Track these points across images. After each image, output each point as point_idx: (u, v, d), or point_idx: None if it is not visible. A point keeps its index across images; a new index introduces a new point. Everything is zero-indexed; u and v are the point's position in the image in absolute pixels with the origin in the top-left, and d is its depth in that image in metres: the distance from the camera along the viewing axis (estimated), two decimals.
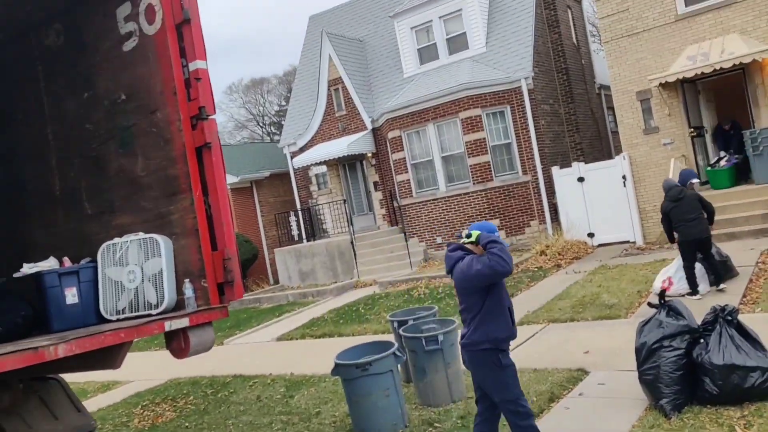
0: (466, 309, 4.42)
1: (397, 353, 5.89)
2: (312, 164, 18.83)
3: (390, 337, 8.06)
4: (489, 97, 15.94)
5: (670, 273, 9.01)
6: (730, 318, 5.07)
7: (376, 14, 20.69)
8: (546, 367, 6.84)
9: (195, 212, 4.45)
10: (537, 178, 15.97)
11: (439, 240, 16.61)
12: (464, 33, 17.35)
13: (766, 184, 12.50)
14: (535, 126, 15.95)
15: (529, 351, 7.61)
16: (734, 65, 12.64)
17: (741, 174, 13.65)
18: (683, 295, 8.53)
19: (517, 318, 9.41)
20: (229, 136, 51.10)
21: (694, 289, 8.58)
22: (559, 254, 13.85)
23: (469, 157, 15.96)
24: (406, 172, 16.96)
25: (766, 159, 12.53)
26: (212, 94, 4.64)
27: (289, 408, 7.08)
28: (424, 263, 16.28)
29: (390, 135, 17.18)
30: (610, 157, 17.79)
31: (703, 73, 12.97)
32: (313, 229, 18.99)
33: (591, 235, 15.01)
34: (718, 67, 12.67)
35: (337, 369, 5.87)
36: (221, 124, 51.25)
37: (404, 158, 16.91)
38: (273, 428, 6.52)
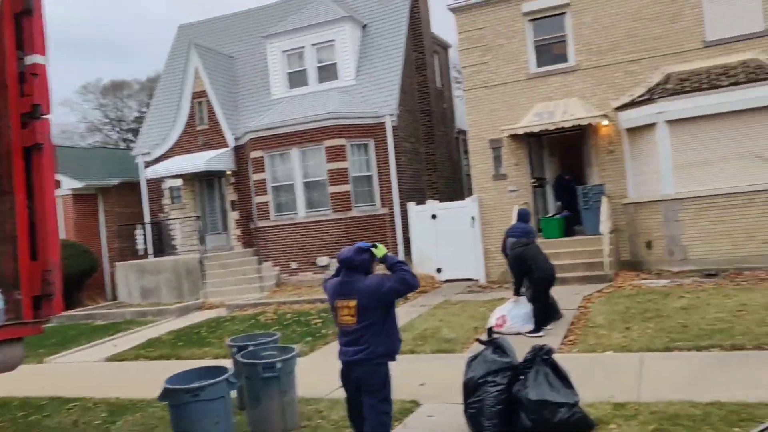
0: (368, 326, 4.69)
1: (231, 379, 5.71)
2: (167, 176, 18.04)
3: (229, 363, 7.81)
4: (355, 129, 16.27)
5: (504, 311, 9.62)
6: (546, 357, 5.49)
7: (249, 32, 20.47)
8: None
9: (15, 217, 4.07)
10: (393, 212, 16.44)
11: (294, 265, 16.50)
12: (335, 63, 17.65)
13: (593, 236, 13.79)
14: (396, 161, 16.48)
15: None
16: (573, 126, 13.96)
17: (574, 224, 14.96)
18: (521, 333, 9.12)
19: None
20: (80, 138, 47.62)
21: (539, 327, 9.20)
22: None
23: (330, 185, 16.10)
24: (266, 193, 16.75)
25: (594, 213, 13.85)
26: (49, 93, 4.32)
27: None
28: (276, 288, 16.06)
29: (252, 155, 16.93)
30: (463, 198, 18.75)
31: (547, 129, 14.17)
32: (162, 244, 18.09)
33: (439, 270, 15.65)
34: (560, 126, 13.91)
35: (166, 394, 5.57)
36: (72, 124, 47.65)
37: (265, 180, 16.71)
38: None
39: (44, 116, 4.25)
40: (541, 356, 5.49)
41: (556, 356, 8.22)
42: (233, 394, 6.68)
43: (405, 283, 4.62)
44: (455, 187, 20.42)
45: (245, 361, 6.20)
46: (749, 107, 12.43)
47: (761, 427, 4.56)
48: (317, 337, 10.52)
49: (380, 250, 4.72)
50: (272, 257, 16.67)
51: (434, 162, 18.75)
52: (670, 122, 13.05)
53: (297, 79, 18.12)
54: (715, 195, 12.74)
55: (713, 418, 5.30)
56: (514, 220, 13.91)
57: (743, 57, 13.26)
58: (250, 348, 6.68)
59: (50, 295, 4.08)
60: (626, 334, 8.64)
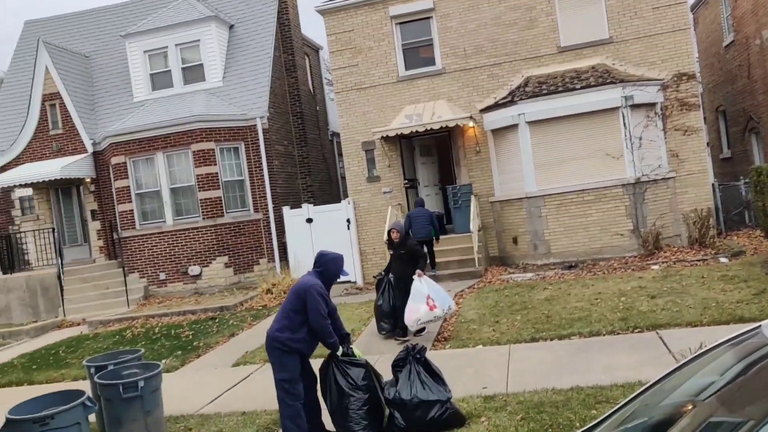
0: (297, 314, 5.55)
1: (87, 403, 5.24)
2: (16, 185, 16.46)
3: (88, 385, 7.21)
4: (224, 132, 15.72)
5: (424, 294, 8.45)
6: (418, 356, 5.54)
7: (106, 30, 19.21)
8: (256, 409, 6.72)
9: None
10: (268, 217, 16.08)
11: (163, 276, 15.65)
12: (201, 64, 16.98)
13: (463, 234, 14.26)
14: (268, 165, 16.12)
15: (241, 393, 7.43)
16: (441, 127, 14.37)
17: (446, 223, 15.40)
18: (397, 339, 8.95)
19: (233, 359, 9.26)
20: None
21: (406, 330, 8.96)
22: (285, 293, 13.96)
23: (200, 190, 15.45)
24: (130, 201, 15.78)
25: (463, 212, 14.32)
26: None
27: None
28: (144, 301, 15.17)
29: (114, 161, 15.88)
30: (339, 200, 18.70)
31: (417, 131, 14.47)
32: (12, 260, 16.48)
33: None
34: (429, 128, 14.26)
35: (8, 426, 5.01)
36: None
37: (128, 187, 15.73)
38: None
39: None
40: (414, 355, 5.53)
41: (430, 353, 8.42)
42: (92, 418, 6.18)
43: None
44: (331, 190, 20.36)
45: (103, 382, 5.73)
46: (599, 108, 13.39)
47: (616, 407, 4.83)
48: (188, 350, 10.02)
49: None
50: (139, 268, 15.73)
51: (308, 165, 18.59)
52: (531, 123, 13.78)
53: (161, 80, 17.23)
54: (573, 191, 13.60)
55: (573, 402, 5.59)
56: (388, 222, 14.13)
57: (593, 62, 14.28)
58: (110, 367, 6.19)
59: None
60: (495, 328, 8.98)
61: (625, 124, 13.33)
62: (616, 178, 13.36)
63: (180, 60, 17.08)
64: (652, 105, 13.65)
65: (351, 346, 5.69)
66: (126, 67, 17.70)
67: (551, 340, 8.00)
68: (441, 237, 14.40)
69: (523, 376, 6.66)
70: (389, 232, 8.97)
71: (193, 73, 17.15)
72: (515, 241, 14.35)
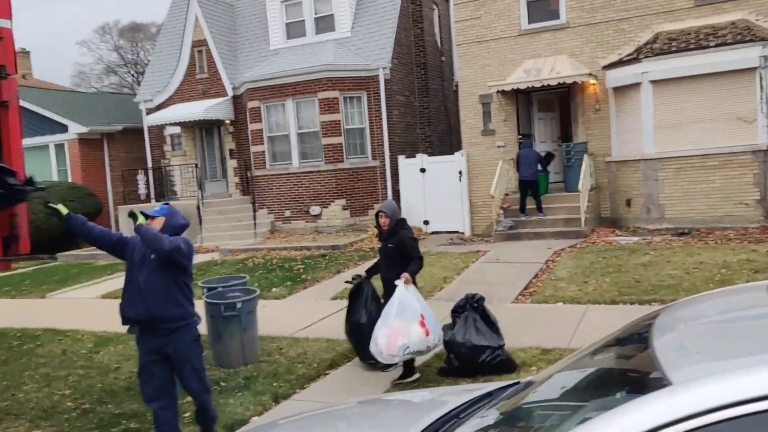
0: None
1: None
2: (167, 124, 18.51)
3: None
4: (348, 82, 16.53)
5: (416, 314, 5.77)
6: (476, 305, 6.02)
7: None
8: (338, 337, 7.55)
9: None
10: (384, 165, 16.84)
11: (287, 213, 17.06)
12: (332, 15, 17.77)
13: (573, 192, 14.14)
14: (388, 115, 16.78)
15: (331, 323, 8.31)
16: (559, 83, 14.14)
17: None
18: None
19: (332, 293, 10.19)
20: (96, 79, 47.95)
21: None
22: None
23: (324, 136, 16.49)
24: (262, 143, 17.20)
25: (575, 170, 14.15)
26: (15, 54, 4.77)
27: (90, 363, 7.30)
28: (270, 235, 16.69)
29: (250, 105, 17.30)
30: (458, 151, 19.07)
31: (534, 86, 14.37)
32: (163, 189, 18.70)
33: (426, 222, 16.15)
34: (545, 84, 14.10)
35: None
36: (88, 65, 47.76)
37: (261, 130, 17.13)
38: (68, 381, 6.74)
39: (10, 76, 4.70)
40: (472, 304, 6.02)
41: (511, 305, 8.85)
42: (203, 330, 7.34)
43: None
44: (451, 141, 20.67)
45: (209, 300, 6.80)
46: (733, 69, 12.51)
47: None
48: (297, 281, 11.15)
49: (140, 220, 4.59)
50: (267, 205, 17.24)
51: (429, 115, 19.01)
52: (654, 82, 13.19)
53: (295, 30, 18.29)
54: (695, 156, 12.98)
55: None
56: (497, 177, 14.38)
57: (733, 17, 13.26)
58: (219, 289, 7.27)
59: (17, 237, 4.63)
60: (581, 288, 9.15)
61: (762, 86, 12.39)
62: (746, 143, 12.55)
63: (313, 10, 17.98)
64: None
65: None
66: (265, 16, 18.92)
67: (630, 304, 8.08)
68: (550, 195, 14.49)
69: (588, 335, 6.91)
70: (377, 215, 6.30)
71: (325, 23, 18.01)
72: (628, 203, 14.02)
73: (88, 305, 11.07)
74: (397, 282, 5.77)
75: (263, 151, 17.23)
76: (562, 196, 14.49)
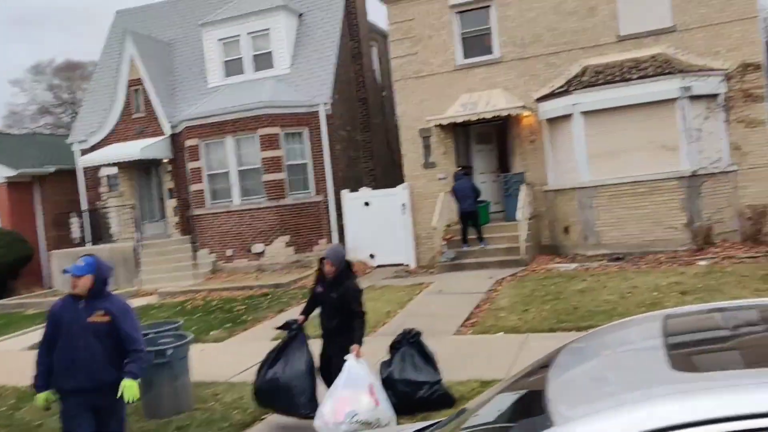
0: None
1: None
2: (103, 164, 18.04)
3: None
4: (288, 118, 16.53)
5: (364, 384, 5.43)
6: (412, 340, 5.99)
7: (187, 19, 20.43)
8: None
9: None
10: (328, 199, 16.82)
11: (229, 252, 16.76)
12: (270, 52, 17.84)
13: (514, 222, 14.40)
14: (330, 150, 16.82)
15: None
16: (495, 116, 14.51)
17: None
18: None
19: (275, 333, 9.98)
20: (30, 120, 46.45)
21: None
22: None
23: (265, 173, 16.37)
24: (202, 182, 16.94)
25: (514, 200, 14.44)
26: None
27: (11, 420, 6.90)
28: (211, 275, 16.34)
29: (188, 143, 17.06)
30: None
31: (470, 120, 14.69)
32: (99, 232, 18.12)
33: (372, 256, 16.14)
34: (482, 117, 14.45)
35: None
36: (22, 105, 46.27)
37: (200, 168, 16.88)
38: None
39: None
40: (408, 339, 5.98)
41: (453, 337, 8.86)
42: None
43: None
44: (395, 174, 20.81)
45: None
46: (655, 99, 13.10)
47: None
48: (237, 323, 10.91)
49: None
50: (208, 244, 16.91)
51: (371, 150, 19.16)
52: (585, 113, 13.67)
53: (233, 67, 18.25)
54: (626, 183, 13.43)
55: None
56: (438, 209, 14.56)
57: (653, 51, 13.94)
58: (150, 335, 7.01)
59: None
60: (522, 316, 9.25)
61: (683, 115, 13.00)
62: (671, 170, 13.09)
63: (251, 47, 18.01)
64: (714, 96, 13.22)
65: None
66: (202, 54, 18.83)
67: (568, 331, 8.18)
68: (491, 225, 14.73)
69: (525, 364, 6.96)
70: (321, 260, 5.90)
71: (264, 60, 18.04)
72: (566, 230, 14.36)
73: (12, 358, 10.51)
74: (347, 357, 5.39)
75: (203, 190, 16.96)
76: (502, 226, 14.73)
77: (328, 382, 5.71)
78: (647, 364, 1.85)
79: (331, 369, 5.76)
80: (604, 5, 14.34)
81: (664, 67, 13.22)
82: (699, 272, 10.55)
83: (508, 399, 2.35)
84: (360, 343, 5.58)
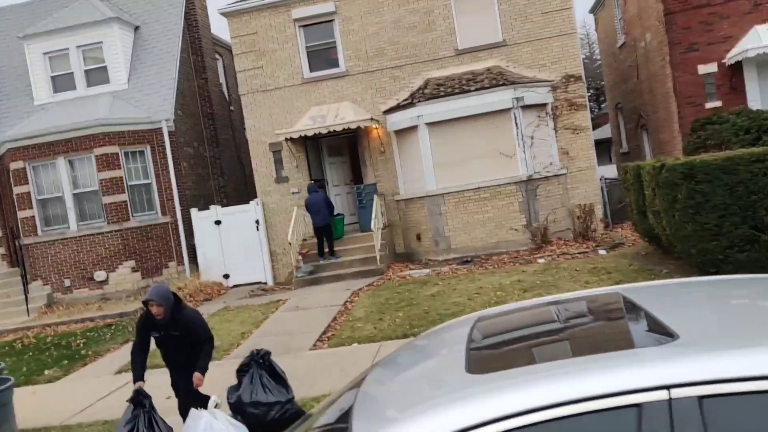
0: None
1: None
2: None
3: None
4: (128, 136, 15.56)
5: None
6: (262, 361, 5.80)
7: (5, 31, 18.64)
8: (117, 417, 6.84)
9: None
10: (176, 220, 16.01)
11: (67, 283, 15.41)
12: (105, 66, 16.71)
13: (369, 232, 14.59)
14: (175, 168, 16.04)
15: (113, 401, 7.51)
16: (345, 129, 14.65)
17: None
18: None
19: (118, 366, 9.31)
20: None
21: None
22: (191, 296, 14.05)
23: (104, 195, 15.25)
24: (31, 207, 15.45)
25: (368, 211, 14.64)
26: None
27: None
28: (46, 308, 14.90)
29: (12, 166, 15.49)
30: None
31: (320, 132, 14.71)
32: None
33: (227, 276, 15.60)
34: (331, 129, 14.52)
35: None
36: None
37: (29, 192, 15.39)
38: None
39: None
40: (257, 360, 5.78)
41: (309, 353, 8.74)
42: None
43: None
44: (247, 190, 20.34)
45: None
46: (492, 110, 13.92)
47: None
48: (76, 359, 10.01)
49: None
50: (42, 275, 15.43)
51: (221, 166, 18.57)
52: (429, 124, 14.20)
53: (63, 82, 16.88)
54: (471, 189, 14.11)
55: None
56: (293, 223, 14.39)
57: (488, 64, 14.82)
58: None
59: None
60: (377, 325, 9.35)
61: (517, 124, 13.92)
62: (509, 176, 13.94)
63: (82, 62, 16.77)
64: (543, 105, 14.29)
65: None
66: (26, 70, 17.24)
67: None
68: (351, 236, 14.82)
69: None
70: (145, 304, 5.54)
71: (97, 75, 16.87)
72: (419, 237, 14.79)
73: None
74: (203, 411, 4.85)
75: (33, 216, 15.47)
76: (357, 237, 14.88)
77: (183, 414, 5.55)
78: (446, 370, 1.88)
79: (180, 400, 5.78)
80: (441, 21, 15.02)
81: (498, 79, 14.09)
82: (538, 269, 11.29)
83: (331, 409, 2.29)
84: (203, 371, 5.44)
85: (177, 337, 5.55)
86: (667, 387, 1.47)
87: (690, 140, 13.09)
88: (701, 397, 1.45)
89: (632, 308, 2.07)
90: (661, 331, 1.77)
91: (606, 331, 2.09)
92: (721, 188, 7.57)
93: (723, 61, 13.71)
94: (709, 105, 13.80)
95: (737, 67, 13.61)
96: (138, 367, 5.71)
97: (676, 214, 8.21)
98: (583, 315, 2.34)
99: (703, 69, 13.86)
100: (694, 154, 10.44)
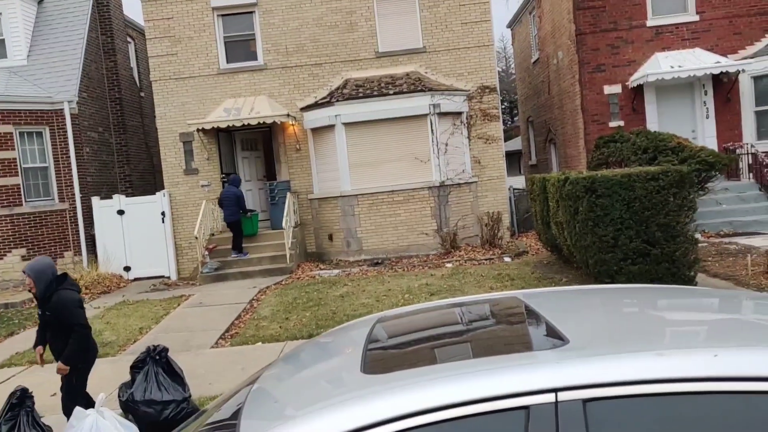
0: None
1: None
2: None
3: None
4: (24, 115, 14.57)
5: None
6: (158, 357, 5.55)
7: None
8: None
9: None
10: (75, 207, 15.15)
11: None
12: (3, 40, 15.59)
13: (280, 230, 14.37)
14: (77, 152, 15.18)
15: None
16: (260, 123, 14.36)
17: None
18: None
19: None
20: None
21: None
22: (87, 288, 13.32)
23: None
24: None
25: (280, 208, 14.42)
26: None
27: None
28: None
29: None
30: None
31: (234, 125, 14.36)
32: None
33: (128, 269, 14.92)
34: (246, 123, 14.20)
35: None
36: None
37: None
38: None
39: None
40: (153, 356, 5.53)
41: (210, 351, 8.48)
42: None
43: None
44: (155, 181, 19.56)
45: None
46: (410, 114, 14.06)
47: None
48: None
49: None
50: None
51: (127, 154, 17.75)
52: (347, 124, 14.17)
53: None
54: (384, 192, 14.19)
55: None
56: (200, 217, 13.96)
57: (408, 69, 14.98)
58: None
59: None
60: (283, 324, 9.20)
61: (432, 130, 14.14)
62: (423, 180, 14.14)
63: None
64: (459, 114, 14.60)
65: None
66: None
67: None
68: (263, 233, 14.54)
69: None
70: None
71: None
72: (330, 238, 14.72)
73: None
74: (88, 411, 4.46)
75: None
76: (268, 234, 14.62)
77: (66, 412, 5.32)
78: (343, 370, 1.85)
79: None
80: (363, 22, 15.04)
81: (416, 85, 14.26)
82: (446, 274, 11.50)
83: (222, 408, 2.20)
84: (67, 361, 5.24)
85: (50, 319, 5.34)
86: (554, 390, 1.50)
87: (594, 156, 13.76)
88: (586, 401, 1.49)
89: (530, 313, 2.12)
90: (554, 335, 1.82)
91: (504, 334, 2.12)
92: (619, 203, 7.98)
93: (626, 83, 14.54)
94: (612, 124, 14.59)
95: (639, 90, 14.46)
96: (38, 337, 5.61)
97: (577, 226, 8.59)
98: (483, 318, 2.38)
99: (608, 89, 14.63)
100: (597, 170, 10.98)
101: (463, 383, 1.53)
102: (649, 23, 14.60)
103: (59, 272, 5.53)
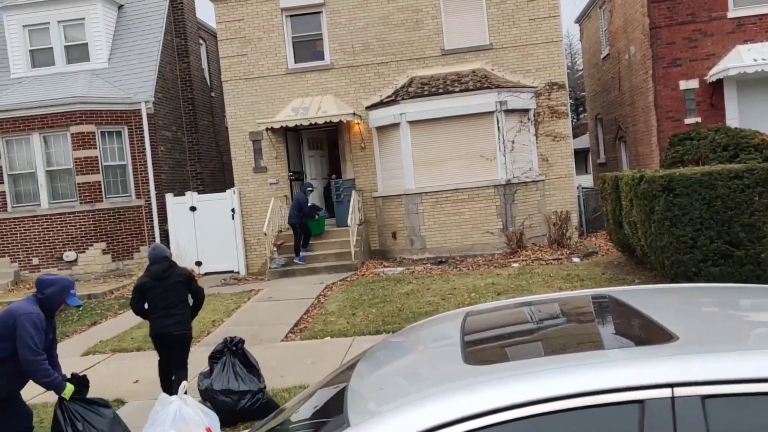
0: None
1: None
2: None
3: None
4: (105, 115, 15.28)
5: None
6: (235, 348, 5.73)
7: None
8: None
9: None
10: (150, 203, 15.78)
11: (35, 261, 15.10)
12: (86, 44, 16.38)
13: (345, 227, 14.53)
14: (152, 151, 15.81)
15: None
16: (326, 122, 14.56)
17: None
18: None
19: (84, 348, 9.16)
20: None
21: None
22: None
23: (78, 174, 14.96)
24: (2, 183, 15.09)
25: (345, 206, 14.58)
26: None
27: None
28: (13, 287, 14.58)
29: None
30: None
31: (302, 124, 14.61)
32: None
33: (199, 263, 15.41)
34: (313, 122, 14.42)
35: None
36: None
37: (0, 167, 15.03)
38: None
39: None
40: (230, 347, 5.71)
41: (281, 344, 8.67)
42: None
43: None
44: (224, 179, 20.14)
45: None
46: (476, 112, 13.95)
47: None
48: None
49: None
50: (9, 253, 15.08)
51: (198, 152, 18.34)
52: (411, 122, 14.19)
53: (42, 58, 16.50)
54: (448, 190, 14.13)
55: None
56: (269, 214, 14.28)
57: (474, 66, 14.86)
58: None
59: None
60: (350, 320, 9.30)
61: (499, 127, 13.98)
62: (488, 179, 14.00)
63: (63, 37, 16.41)
64: (526, 111, 14.38)
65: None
66: (3, 42, 16.82)
67: (393, 332, 8.37)
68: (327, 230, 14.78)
69: None
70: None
71: (78, 52, 16.53)
72: (394, 236, 14.78)
73: None
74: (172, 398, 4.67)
75: (4, 192, 15.12)
76: (333, 231, 14.81)
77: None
78: (443, 360, 1.86)
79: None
80: (429, 20, 15.02)
81: (482, 82, 14.13)
82: (512, 274, 11.36)
83: (319, 398, 2.26)
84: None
85: (179, 286, 6.39)
86: (671, 385, 1.46)
87: (668, 154, 13.28)
88: (704, 397, 1.45)
89: (627, 309, 2.07)
90: (660, 331, 1.77)
91: (605, 329, 2.09)
92: (699, 202, 7.68)
93: (705, 78, 13.96)
94: (688, 120, 14.04)
95: (718, 85, 13.86)
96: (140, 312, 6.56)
97: (653, 226, 8.32)
98: (577, 313, 2.34)
99: (684, 84, 14.09)
100: (672, 168, 10.60)
101: (577, 375, 1.52)
102: (731, 14, 13.96)
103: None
